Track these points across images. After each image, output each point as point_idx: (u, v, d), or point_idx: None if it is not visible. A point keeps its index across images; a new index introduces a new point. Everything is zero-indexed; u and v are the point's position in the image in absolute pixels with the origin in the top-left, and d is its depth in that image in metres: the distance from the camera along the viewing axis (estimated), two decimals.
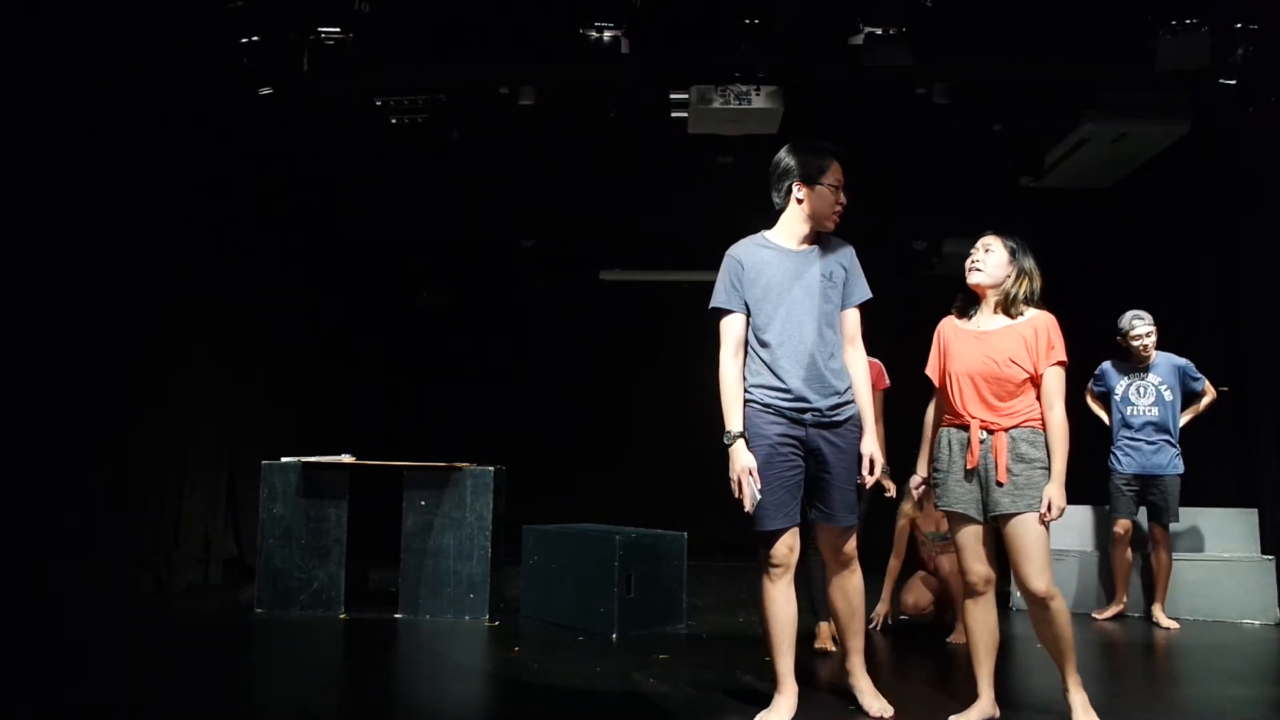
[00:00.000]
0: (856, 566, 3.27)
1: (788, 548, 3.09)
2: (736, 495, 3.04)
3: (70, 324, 4.96)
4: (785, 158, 3.20)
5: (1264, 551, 5.49)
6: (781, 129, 5.30)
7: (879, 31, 4.61)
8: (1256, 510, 5.65)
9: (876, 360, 4.32)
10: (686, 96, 5.15)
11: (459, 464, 5.15)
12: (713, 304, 3.19)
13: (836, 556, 3.23)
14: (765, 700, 3.17)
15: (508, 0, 4.82)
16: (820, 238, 3.23)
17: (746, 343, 3.18)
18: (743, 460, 3.02)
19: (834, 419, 3.12)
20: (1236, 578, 5.37)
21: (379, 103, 5.34)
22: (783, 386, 3.08)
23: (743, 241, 3.26)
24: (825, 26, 4.81)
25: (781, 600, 3.11)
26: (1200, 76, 4.76)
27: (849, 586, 3.25)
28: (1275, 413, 6.01)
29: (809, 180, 3.16)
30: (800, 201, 3.17)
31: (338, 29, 4.60)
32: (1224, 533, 5.55)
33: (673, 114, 5.31)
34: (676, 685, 3.69)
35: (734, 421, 3.08)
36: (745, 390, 3.13)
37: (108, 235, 5.20)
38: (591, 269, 8.75)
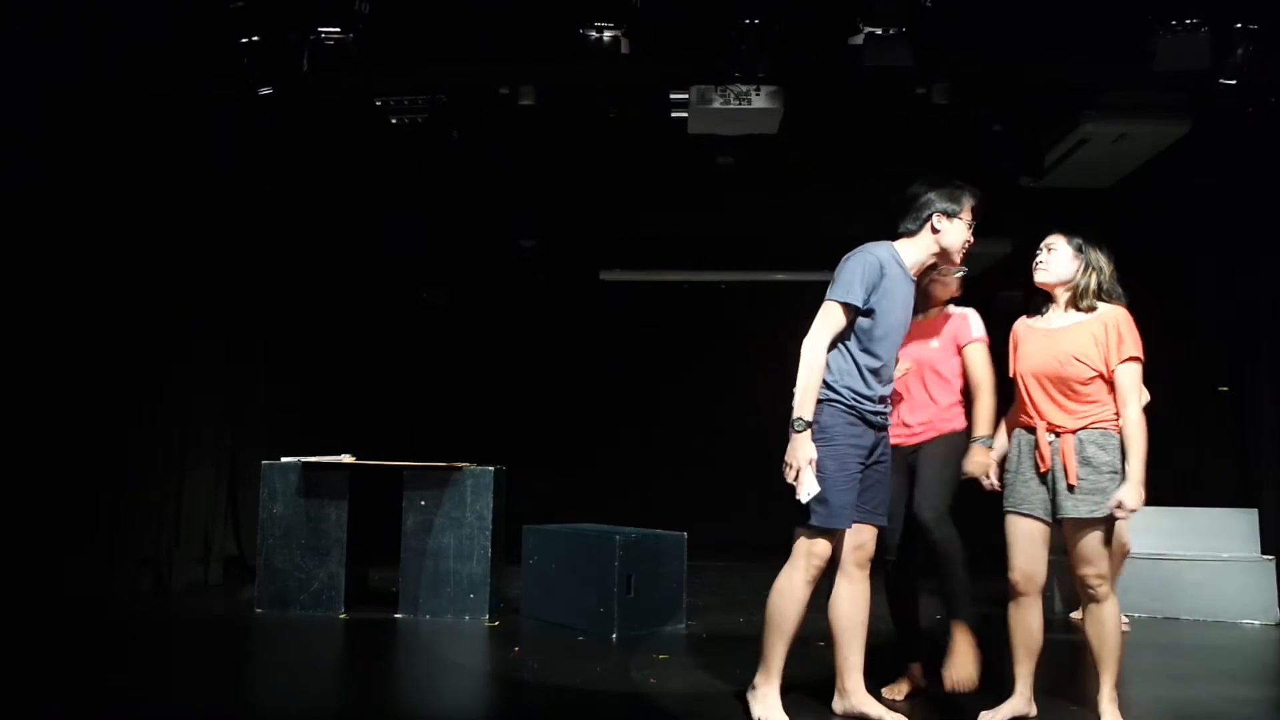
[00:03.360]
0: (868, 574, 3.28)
1: (835, 547, 3.13)
2: (791, 480, 3.00)
3: (70, 324, 4.96)
4: (927, 190, 3.23)
5: (1264, 551, 5.49)
6: (781, 129, 5.30)
7: (879, 31, 4.59)
8: (1256, 510, 5.65)
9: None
10: (686, 96, 5.14)
11: (459, 464, 5.15)
12: (845, 298, 3.08)
13: (864, 560, 3.23)
14: None
15: (508, 0, 4.82)
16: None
17: (840, 339, 3.13)
18: (809, 451, 3.01)
19: (887, 423, 3.26)
20: (1236, 578, 5.37)
21: (379, 103, 5.34)
22: (875, 395, 3.13)
23: (882, 247, 3.20)
24: (825, 26, 4.80)
25: (806, 597, 3.12)
26: (1200, 76, 4.75)
27: (862, 595, 3.24)
28: (1275, 413, 6.02)
29: (950, 213, 3.20)
30: (937, 231, 3.20)
31: (338, 29, 4.59)
32: (1224, 533, 5.55)
33: (673, 114, 5.31)
34: (676, 685, 3.69)
35: (808, 410, 3.03)
36: (828, 386, 3.09)
37: (107, 236, 5.21)
38: (591, 269, 8.75)
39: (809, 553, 3.09)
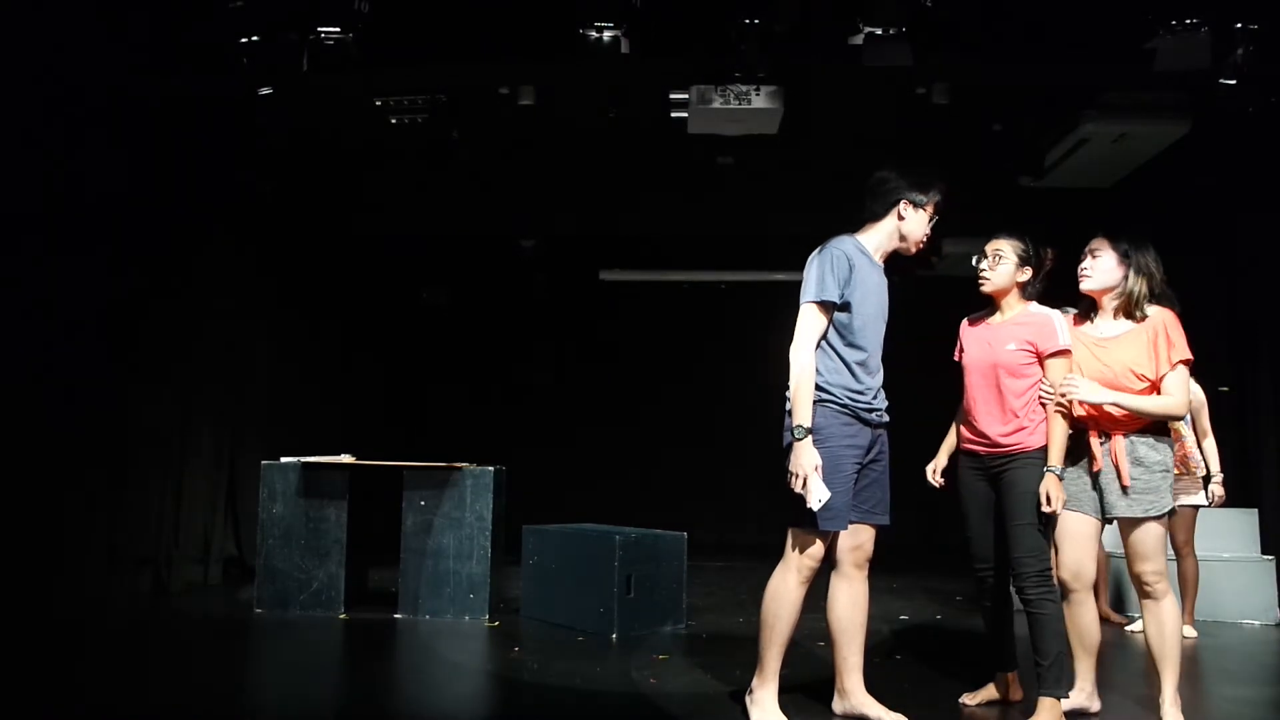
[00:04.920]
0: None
1: (829, 548, 3.13)
2: (799, 490, 2.97)
3: (70, 323, 4.96)
4: (897, 175, 3.22)
5: (1264, 551, 5.49)
6: (781, 129, 5.30)
7: (879, 31, 4.60)
8: (1256, 510, 5.66)
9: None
10: (686, 96, 5.14)
11: (459, 464, 5.15)
12: (821, 295, 3.05)
13: (862, 561, 3.23)
14: None
15: (508, 0, 4.82)
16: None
17: (822, 339, 3.10)
18: (814, 457, 2.98)
19: (885, 420, 3.22)
20: (1236, 578, 5.37)
21: (379, 103, 5.34)
22: (865, 390, 3.11)
23: (845, 241, 3.18)
24: (825, 26, 4.80)
25: (800, 598, 3.11)
26: (1200, 76, 4.75)
27: (860, 594, 3.24)
28: (1275, 413, 6.01)
29: (918, 202, 3.19)
30: (902, 219, 3.19)
31: (338, 29, 4.59)
32: (1224, 533, 5.55)
33: (673, 114, 5.31)
34: (676, 685, 3.69)
35: (806, 416, 3.00)
36: (819, 387, 3.06)
37: (107, 236, 5.20)
38: (591, 269, 8.75)
39: (802, 553, 3.09)
